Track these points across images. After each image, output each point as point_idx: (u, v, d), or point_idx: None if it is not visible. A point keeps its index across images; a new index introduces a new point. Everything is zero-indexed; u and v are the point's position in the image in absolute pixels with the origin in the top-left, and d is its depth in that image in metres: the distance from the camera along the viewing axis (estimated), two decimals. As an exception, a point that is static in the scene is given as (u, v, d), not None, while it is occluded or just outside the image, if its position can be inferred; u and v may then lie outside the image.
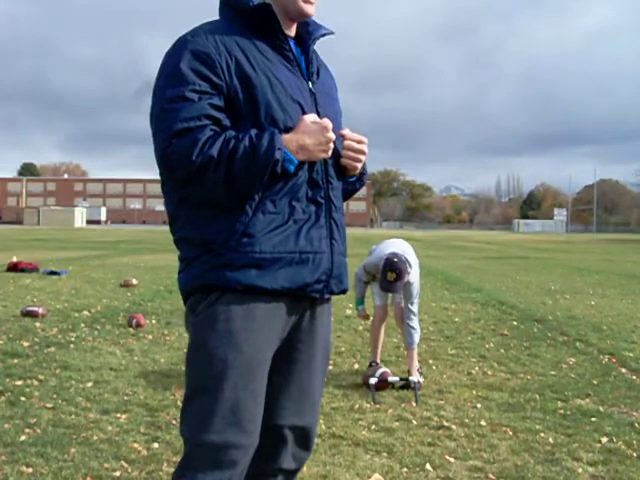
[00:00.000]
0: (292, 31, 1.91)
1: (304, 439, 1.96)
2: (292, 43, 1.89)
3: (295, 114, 1.79)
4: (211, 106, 1.72)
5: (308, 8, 1.86)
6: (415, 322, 4.91)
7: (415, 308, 4.91)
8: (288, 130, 1.77)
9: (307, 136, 1.74)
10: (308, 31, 1.92)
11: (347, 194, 2.04)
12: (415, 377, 4.67)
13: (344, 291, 1.95)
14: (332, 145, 1.78)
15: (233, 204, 1.74)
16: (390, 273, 4.65)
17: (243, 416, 1.75)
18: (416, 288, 4.88)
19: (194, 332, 1.82)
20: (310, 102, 1.86)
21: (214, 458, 1.74)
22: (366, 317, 5.27)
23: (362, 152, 1.89)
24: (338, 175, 1.92)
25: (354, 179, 2.00)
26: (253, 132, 1.71)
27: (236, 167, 1.68)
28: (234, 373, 1.74)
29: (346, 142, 1.86)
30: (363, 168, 1.98)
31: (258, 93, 1.75)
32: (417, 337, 4.92)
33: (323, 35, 1.94)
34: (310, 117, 1.77)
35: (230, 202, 1.73)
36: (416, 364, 4.92)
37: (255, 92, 1.75)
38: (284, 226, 1.77)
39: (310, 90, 1.87)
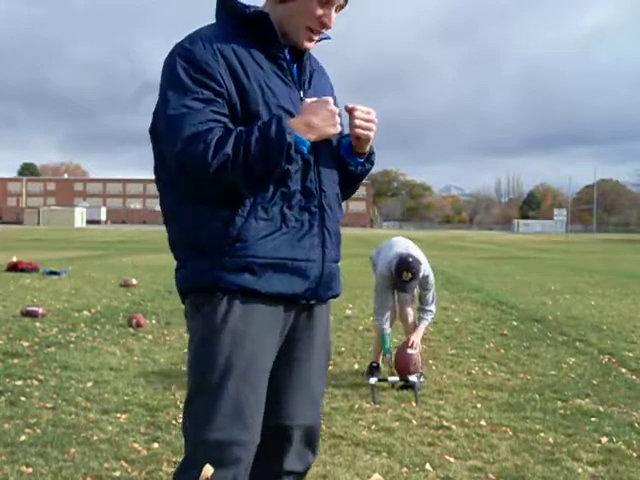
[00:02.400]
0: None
1: (309, 438, 1.98)
2: (287, 50, 1.89)
3: None
4: (215, 113, 1.73)
5: (309, 45, 1.89)
6: (432, 307, 5.02)
7: (430, 295, 4.97)
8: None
9: (312, 115, 1.77)
10: None
11: (358, 176, 2.03)
12: (414, 376, 4.67)
13: (333, 296, 1.97)
14: (338, 119, 1.81)
15: (254, 193, 1.76)
16: (406, 273, 4.68)
17: (245, 413, 1.77)
18: (432, 278, 4.96)
19: (195, 331, 1.83)
20: None
21: (218, 456, 1.75)
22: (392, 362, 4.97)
23: (372, 121, 1.89)
24: (334, 181, 1.93)
25: (363, 160, 1.99)
26: (260, 122, 1.73)
27: (252, 160, 1.69)
28: (236, 370, 1.76)
29: (356, 113, 1.86)
30: (371, 148, 1.98)
31: (250, 101, 1.78)
32: (431, 317, 5.06)
33: (319, 40, 1.94)
34: (310, 98, 1.82)
35: (251, 192, 1.76)
36: (421, 334, 5.04)
37: (247, 100, 1.77)
38: (277, 233, 1.78)
39: (301, 99, 1.88)
